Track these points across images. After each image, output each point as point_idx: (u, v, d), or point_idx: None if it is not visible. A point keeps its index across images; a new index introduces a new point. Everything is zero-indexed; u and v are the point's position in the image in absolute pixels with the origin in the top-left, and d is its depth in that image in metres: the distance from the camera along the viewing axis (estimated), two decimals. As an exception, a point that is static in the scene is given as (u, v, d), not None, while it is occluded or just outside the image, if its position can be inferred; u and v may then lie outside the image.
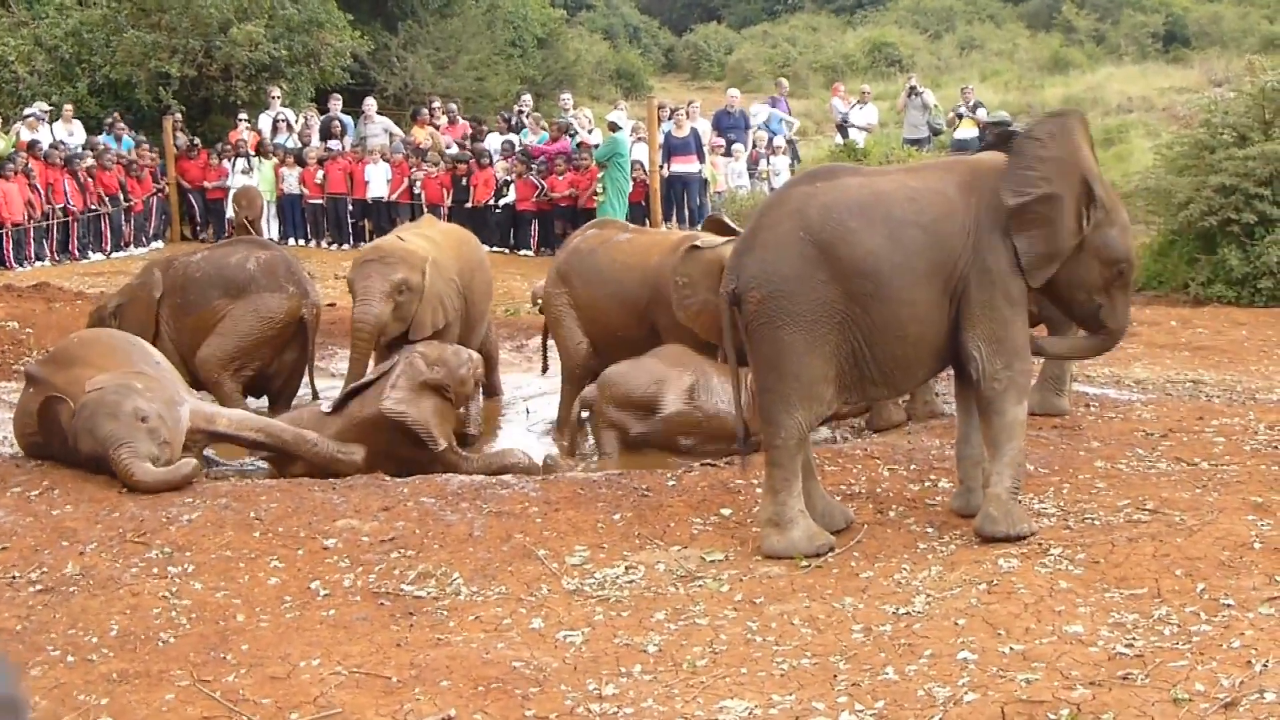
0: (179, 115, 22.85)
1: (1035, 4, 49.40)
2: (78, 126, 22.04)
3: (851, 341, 6.80)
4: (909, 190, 6.90)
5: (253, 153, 21.67)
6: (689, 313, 9.81)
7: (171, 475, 8.23)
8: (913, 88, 22.67)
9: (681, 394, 9.35)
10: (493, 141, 21.36)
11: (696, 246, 9.96)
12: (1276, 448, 8.01)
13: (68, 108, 22.32)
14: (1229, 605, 5.64)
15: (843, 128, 23.01)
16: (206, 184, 21.93)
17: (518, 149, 20.84)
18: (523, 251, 20.15)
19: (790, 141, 22.21)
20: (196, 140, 22.49)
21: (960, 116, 21.37)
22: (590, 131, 21.05)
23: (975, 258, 6.78)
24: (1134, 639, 5.40)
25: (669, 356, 9.67)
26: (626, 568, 6.77)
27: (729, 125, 21.55)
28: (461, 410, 9.76)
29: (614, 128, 19.58)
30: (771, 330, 6.84)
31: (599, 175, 18.95)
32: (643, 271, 10.21)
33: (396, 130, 22.64)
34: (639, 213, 18.91)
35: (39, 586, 6.77)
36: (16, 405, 9.62)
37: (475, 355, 9.80)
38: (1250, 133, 14.57)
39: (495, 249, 20.01)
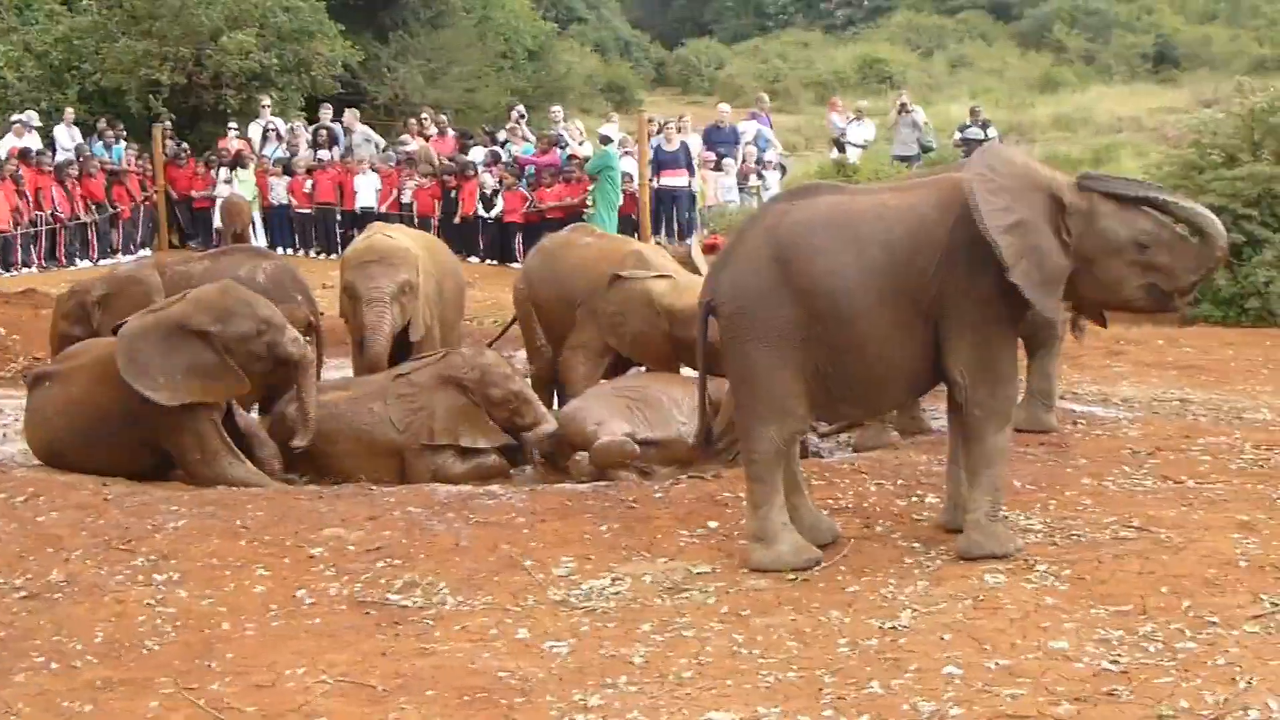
0: (169, 123, 22.83)
1: (1026, 23, 49.62)
2: (75, 131, 22.05)
3: (816, 360, 6.73)
4: (881, 208, 6.79)
5: (231, 163, 21.61)
6: (622, 342, 9.95)
7: None
8: (903, 105, 22.69)
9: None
10: (476, 154, 21.38)
11: (620, 276, 10.00)
12: (1262, 467, 8.02)
13: (69, 111, 22.29)
14: (1214, 623, 5.64)
15: (839, 143, 23.02)
16: (194, 193, 21.91)
17: (504, 160, 20.85)
18: (512, 264, 20.11)
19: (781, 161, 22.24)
20: (185, 147, 22.46)
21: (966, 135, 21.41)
22: (581, 144, 21.08)
23: (952, 278, 6.62)
24: (1119, 655, 5.40)
25: (615, 390, 9.71)
26: (613, 579, 6.76)
27: (719, 140, 21.58)
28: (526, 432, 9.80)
29: (605, 141, 19.64)
30: (740, 345, 6.84)
31: (589, 188, 18.98)
32: (588, 278, 10.23)
33: (377, 138, 22.64)
34: (629, 226, 18.93)
35: (24, 593, 6.75)
36: (27, 411, 9.68)
37: (526, 395, 9.80)
38: (1239, 153, 14.61)
39: (486, 261, 20.05)
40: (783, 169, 22.06)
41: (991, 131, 21.39)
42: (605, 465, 9.03)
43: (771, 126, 23.29)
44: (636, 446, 9.03)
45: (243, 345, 9.03)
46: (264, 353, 9.13)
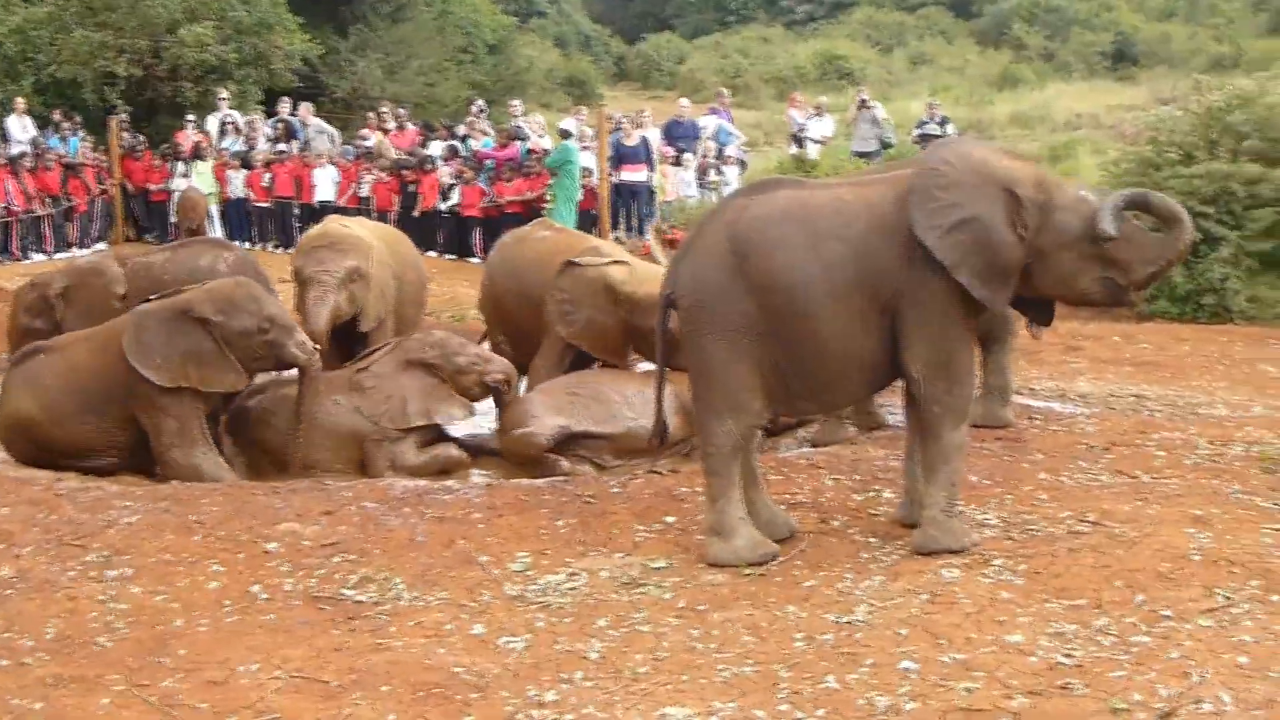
0: (125, 116, 22.65)
1: (986, 21, 49.78)
2: (29, 122, 21.85)
3: (772, 355, 6.73)
4: (839, 204, 6.78)
5: (189, 156, 21.47)
6: (573, 330, 9.90)
7: None
8: (863, 101, 22.66)
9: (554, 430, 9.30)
10: (435, 148, 21.29)
11: (575, 263, 9.96)
12: (1216, 462, 8.06)
13: (20, 101, 22.08)
14: (1168, 616, 5.67)
15: (798, 139, 23.00)
16: (150, 186, 21.75)
17: (462, 154, 20.77)
18: (470, 259, 20.03)
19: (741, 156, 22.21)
20: (142, 140, 22.29)
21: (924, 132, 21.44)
22: (541, 137, 21.02)
23: (910, 275, 6.61)
24: (1073, 649, 5.42)
25: (564, 386, 9.69)
26: (569, 574, 6.75)
27: (679, 135, 21.53)
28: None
29: (565, 135, 19.57)
30: (697, 339, 6.84)
31: (549, 182, 18.92)
32: (543, 272, 10.19)
33: (331, 130, 22.53)
34: (588, 221, 18.89)
35: (-26, 588, 6.70)
36: (10, 382, 9.62)
37: (486, 354, 9.87)
38: (1196, 151, 14.71)
39: (444, 255, 19.96)
40: (742, 164, 22.01)
41: (950, 128, 21.45)
42: (515, 457, 9.15)
43: (732, 121, 23.25)
44: (545, 440, 9.08)
45: (243, 340, 9.06)
46: (264, 351, 9.15)
